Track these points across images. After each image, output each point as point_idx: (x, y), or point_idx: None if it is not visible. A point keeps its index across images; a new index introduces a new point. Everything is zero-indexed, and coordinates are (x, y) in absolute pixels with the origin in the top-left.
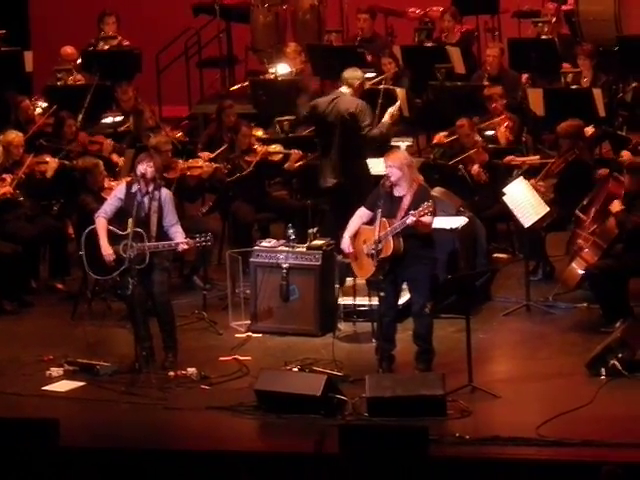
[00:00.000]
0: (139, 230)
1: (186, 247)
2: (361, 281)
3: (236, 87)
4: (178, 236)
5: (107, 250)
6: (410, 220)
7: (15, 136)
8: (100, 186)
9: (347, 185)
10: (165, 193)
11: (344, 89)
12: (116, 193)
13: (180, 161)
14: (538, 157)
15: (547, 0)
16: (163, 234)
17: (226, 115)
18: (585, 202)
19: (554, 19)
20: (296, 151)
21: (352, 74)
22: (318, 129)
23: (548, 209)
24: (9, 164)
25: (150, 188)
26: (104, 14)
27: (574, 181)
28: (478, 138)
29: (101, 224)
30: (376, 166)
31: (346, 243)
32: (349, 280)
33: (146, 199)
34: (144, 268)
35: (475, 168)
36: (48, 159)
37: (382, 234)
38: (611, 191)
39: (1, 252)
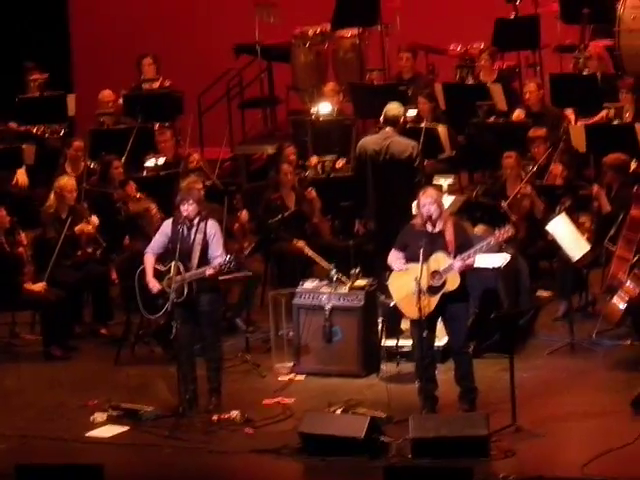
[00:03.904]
0: (177, 264)
1: (212, 272)
2: None
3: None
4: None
5: (152, 283)
6: (493, 241)
7: (68, 180)
8: (155, 229)
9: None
10: (210, 224)
11: (390, 129)
12: (163, 229)
13: None
14: None
15: (590, 37)
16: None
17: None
18: (612, 232)
19: (597, 59)
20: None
21: (396, 111)
22: (367, 170)
23: (589, 247)
24: (65, 215)
25: (195, 221)
26: (140, 57)
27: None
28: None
29: (148, 260)
30: None
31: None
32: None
33: (192, 231)
34: (194, 310)
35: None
36: (92, 219)
37: (446, 266)
38: (635, 216)
39: (46, 300)
